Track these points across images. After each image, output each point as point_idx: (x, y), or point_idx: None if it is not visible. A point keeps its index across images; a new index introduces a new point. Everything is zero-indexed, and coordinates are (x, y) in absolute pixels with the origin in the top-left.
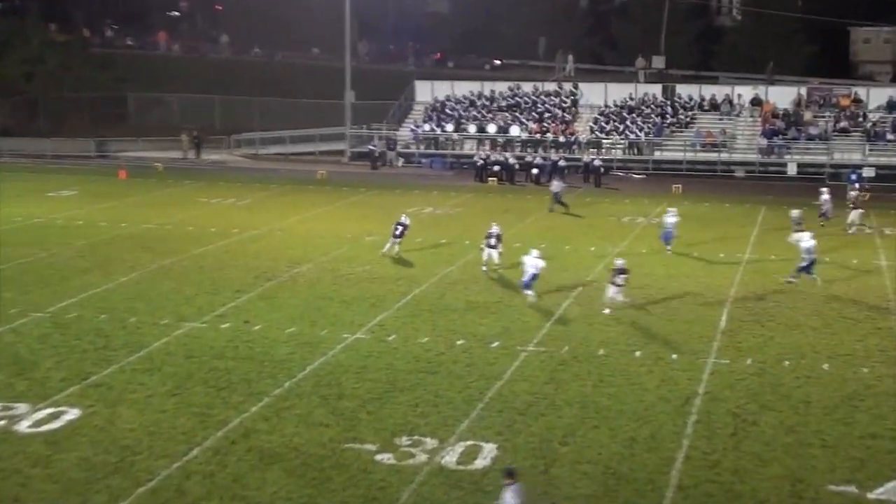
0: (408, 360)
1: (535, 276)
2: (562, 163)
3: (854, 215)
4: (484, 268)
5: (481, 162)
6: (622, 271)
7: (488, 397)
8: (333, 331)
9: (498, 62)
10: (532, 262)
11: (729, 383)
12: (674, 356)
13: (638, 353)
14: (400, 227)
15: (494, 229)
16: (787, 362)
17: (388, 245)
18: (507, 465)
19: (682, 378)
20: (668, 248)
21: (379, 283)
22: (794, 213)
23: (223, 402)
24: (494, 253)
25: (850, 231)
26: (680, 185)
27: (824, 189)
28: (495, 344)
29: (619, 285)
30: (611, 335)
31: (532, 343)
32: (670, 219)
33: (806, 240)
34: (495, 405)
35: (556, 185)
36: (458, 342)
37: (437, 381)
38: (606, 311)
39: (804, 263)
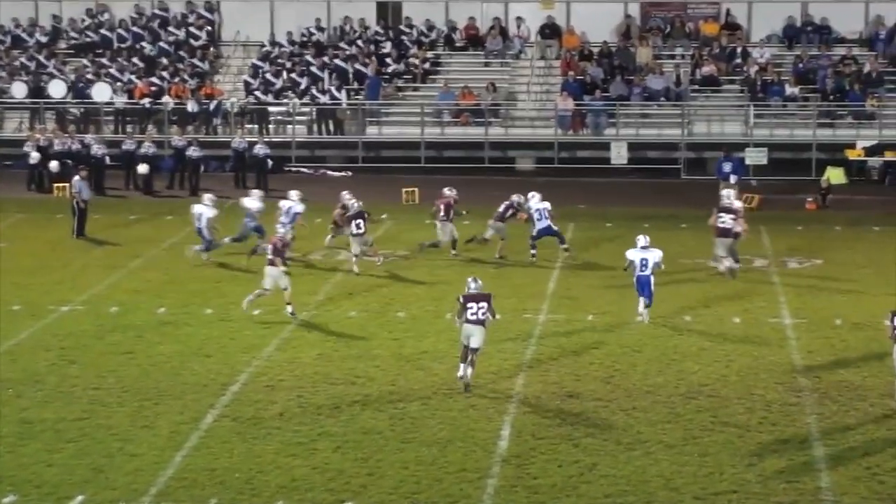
0: None
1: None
2: (193, 151)
3: (722, 244)
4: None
5: (37, 155)
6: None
7: None
8: None
9: None
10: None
11: None
12: None
13: None
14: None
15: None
16: None
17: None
18: None
19: None
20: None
21: None
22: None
23: None
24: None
25: (720, 269)
26: (415, 189)
27: None
28: None
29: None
30: (299, 473)
31: (149, 495)
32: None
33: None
34: None
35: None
36: None
37: None
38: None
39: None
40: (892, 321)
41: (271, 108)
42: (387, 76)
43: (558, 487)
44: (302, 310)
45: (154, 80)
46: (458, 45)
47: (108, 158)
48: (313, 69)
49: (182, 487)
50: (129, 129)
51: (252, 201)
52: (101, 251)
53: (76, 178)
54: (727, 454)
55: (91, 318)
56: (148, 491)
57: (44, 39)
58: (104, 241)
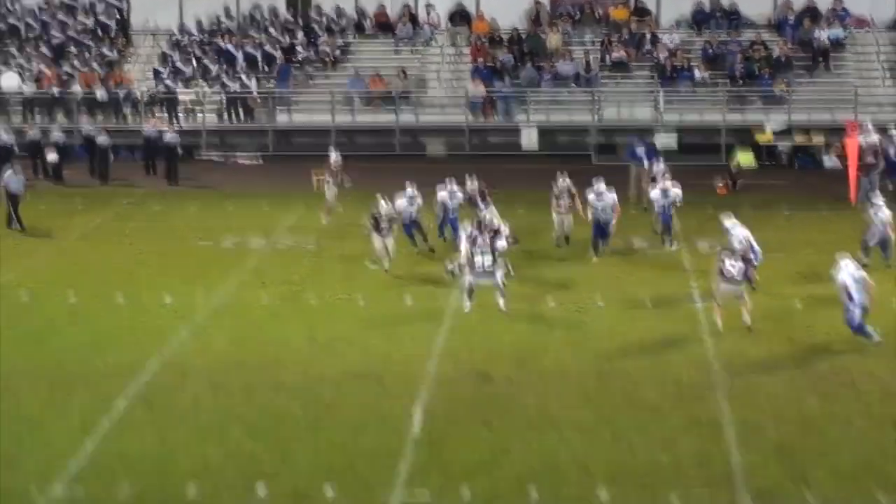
0: None
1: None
2: (102, 139)
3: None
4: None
5: None
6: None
7: None
8: None
9: None
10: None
11: None
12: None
13: None
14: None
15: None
16: None
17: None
18: None
19: None
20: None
21: None
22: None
23: None
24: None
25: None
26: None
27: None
28: None
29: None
30: (212, 458)
31: (60, 481)
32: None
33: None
34: None
35: (12, 181)
36: None
37: None
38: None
39: None
40: (719, 257)
41: (181, 96)
42: (297, 63)
43: (471, 469)
44: (213, 296)
45: (63, 68)
46: (368, 31)
47: (16, 148)
48: (228, 47)
49: (93, 473)
50: (36, 117)
51: (400, 201)
52: (10, 239)
53: (9, 171)
54: (639, 435)
55: (1, 305)
56: (59, 477)
57: None
58: (14, 229)
